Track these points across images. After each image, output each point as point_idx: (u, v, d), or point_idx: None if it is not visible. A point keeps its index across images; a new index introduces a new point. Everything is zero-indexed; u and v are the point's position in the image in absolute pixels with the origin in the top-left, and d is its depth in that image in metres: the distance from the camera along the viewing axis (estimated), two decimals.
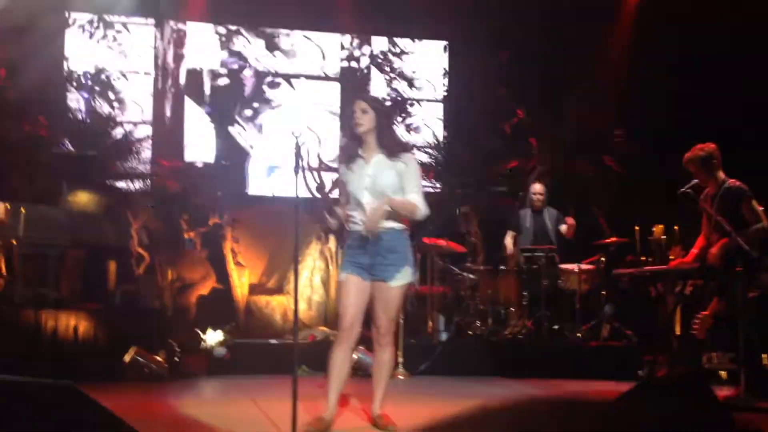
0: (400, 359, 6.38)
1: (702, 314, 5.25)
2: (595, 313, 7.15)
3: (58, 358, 5.65)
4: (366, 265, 3.82)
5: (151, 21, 8.74)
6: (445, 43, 9.44)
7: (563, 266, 7.17)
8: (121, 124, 7.98)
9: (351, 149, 3.88)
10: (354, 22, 9.00)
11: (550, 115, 9.04)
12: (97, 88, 8.01)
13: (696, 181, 5.12)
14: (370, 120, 3.82)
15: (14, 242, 6.33)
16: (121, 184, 7.83)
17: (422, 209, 3.80)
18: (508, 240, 7.54)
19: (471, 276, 7.35)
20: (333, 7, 8.84)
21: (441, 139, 8.93)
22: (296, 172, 3.68)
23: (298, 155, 3.71)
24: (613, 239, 7.35)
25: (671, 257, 6.25)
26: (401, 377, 6.29)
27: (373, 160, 3.82)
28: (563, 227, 7.34)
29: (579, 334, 6.93)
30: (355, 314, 3.83)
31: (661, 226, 6.76)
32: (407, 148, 4.00)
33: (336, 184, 3.98)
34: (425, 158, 8.68)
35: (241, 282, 7.82)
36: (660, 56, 8.39)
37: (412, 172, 3.83)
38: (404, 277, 3.83)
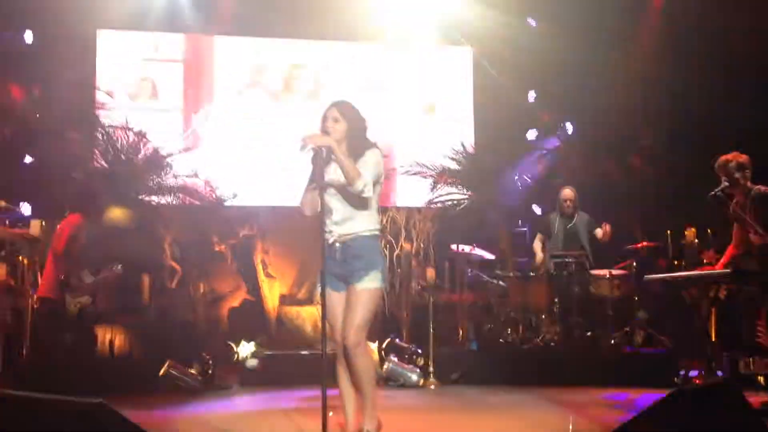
0: (431, 369, 6.37)
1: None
2: (629, 319, 7.05)
3: (94, 372, 5.74)
4: (339, 275, 3.76)
5: (181, 35, 8.88)
6: (469, 48, 9.42)
7: (594, 272, 7.09)
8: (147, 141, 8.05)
9: (321, 156, 3.66)
10: (377, 31, 9.04)
11: (577, 118, 9.01)
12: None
13: (726, 184, 5.13)
14: (341, 130, 3.75)
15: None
16: (152, 198, 7.94)
17: (362, 183, 3.60)
18: (537, 245, 7.46)
19: (500, 283, 7.32)
20: (345, 16, 8.82)
21: (468, 146, 8.89)
22: (318, 183, 3.68)
23: (317, 166, 3.69)
24: (645, 243, 7.25)
25: (704, 261, 6.15)
26: (432, 386, 6.28)
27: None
28: (598, 231, 7.20)
29: (612, 341, 6.84)
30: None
31: (693, 230, 6.66)
32: (371, 146, 3.81)
33: (308, 189, 3.86)
34: (453, 165, 8.68)
35: (271, 293, 7.89)
36: (691, 53, 8.25)
37: (368, 159, 3.72)
38: (372, 281, 3.70)
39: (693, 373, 5.94)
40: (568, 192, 7.37)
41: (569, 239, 7.33)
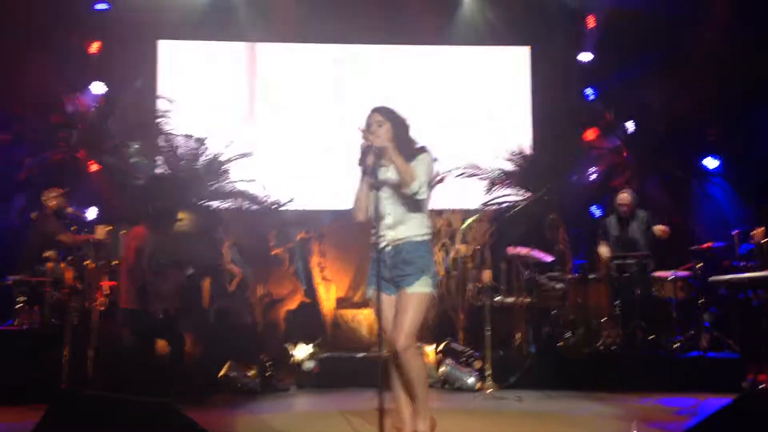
0: (488, 372, 6.31)
1: None
2: (694, 322, 6.83)
3: (157, 374, 5.88)
4: (388, 278, 3.76)
5: (237, 43, 9.07)
6: (527, 48, 9.32)
7: (657, 274, 6.90)
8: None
9: (370, 160, 3.72)
10: (433, 34, 9.06)
11: (638, 116, 8.79)
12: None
13: None
14: (386, 131, 3.77)
15: (115, 263, 6.67)
16: (212, 203, 8.10)
17: (418, 184, 3.65)
18: (603, 248, 7.25)
19: (559, 286, 7.18)
20: (409, 18, 8.89)
21: (528, 145, 8.77)
22: (375, 186, 3.66)
23: (370, 166, 3.69)
24: (710, 244, 7.01)
25: None
26: (489, 390, 6.22)
27: (392, 169, 3.74)
28: (656, 229, 7.02)
29: (677, 345, 6.63)
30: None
31: (761, 229, 6.40)
32: (423, 150, 3.85)
33: (361, 192, 3.88)
34: (509, 166, 8.58)
35: (328, 296, 7.95)
36: (754, 48, 7.96)
37: (420, 162, 3.74)
38: (422, 285, 3.71)
39: (762, 377, 5.72)
40: (624, 196, 7.23)
41: (625, 242, 7.16)
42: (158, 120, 8.26)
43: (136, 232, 6.36)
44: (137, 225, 6.28)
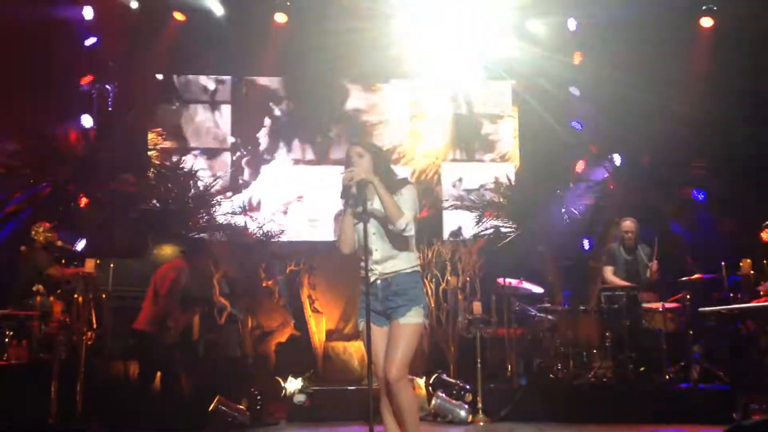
0: (480, 405, 6.28)
1: None
2: (683, 353, 6.85)
3: (146, 408, 5.82)
4: (380, 310, 3.78)
5: (228, 78, 9.16)
6: (512, 82, 9.45)
7: (647, 305, 6.92)
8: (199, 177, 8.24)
9: (352, 193, 3.74)
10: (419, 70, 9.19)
11: (624, 147, 8.89)
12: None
13: None
14: (367, 163, 3.82)
15: (104, 296, 6.63)
16: (202, 235, 8.09)
17: (405, 221, 3.66)
18: (610, 275, 7.30)
19: (549, 317, 7.20)
20: (398, 56, 9.03)
21: (512, 179, 8.85)
22: (363, 218, 3.69)
23: (358, 197, 3.71)
24: (699, 276, 7.06)
25: (761, 293, 5.96)
26: (481, 423, 6.19)
27: (376, 201, 3.77)
28: (647, 272, 7.08)
29: (667, 376, 6.64)
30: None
31: (749, 261, 6.47)
32: (406, 182, 3.91)
33: (345, 225, 3.90)
34: (497, 198, 8.62)
35: (318, 328, 7.92)
36: (739, 84, 8.13)
37: (405, 197, 3.78)
38: (414, 316, 3.72)
39: (753, 408, 5.72)
40: (629, 224, 7.26)
41: (632, 273, 7.20)
42: (149, 153, 8.28)
43: (177, 264, 6.47)
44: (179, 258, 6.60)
